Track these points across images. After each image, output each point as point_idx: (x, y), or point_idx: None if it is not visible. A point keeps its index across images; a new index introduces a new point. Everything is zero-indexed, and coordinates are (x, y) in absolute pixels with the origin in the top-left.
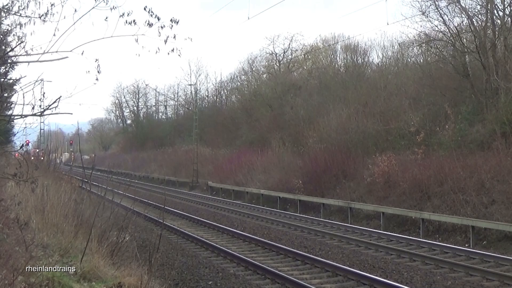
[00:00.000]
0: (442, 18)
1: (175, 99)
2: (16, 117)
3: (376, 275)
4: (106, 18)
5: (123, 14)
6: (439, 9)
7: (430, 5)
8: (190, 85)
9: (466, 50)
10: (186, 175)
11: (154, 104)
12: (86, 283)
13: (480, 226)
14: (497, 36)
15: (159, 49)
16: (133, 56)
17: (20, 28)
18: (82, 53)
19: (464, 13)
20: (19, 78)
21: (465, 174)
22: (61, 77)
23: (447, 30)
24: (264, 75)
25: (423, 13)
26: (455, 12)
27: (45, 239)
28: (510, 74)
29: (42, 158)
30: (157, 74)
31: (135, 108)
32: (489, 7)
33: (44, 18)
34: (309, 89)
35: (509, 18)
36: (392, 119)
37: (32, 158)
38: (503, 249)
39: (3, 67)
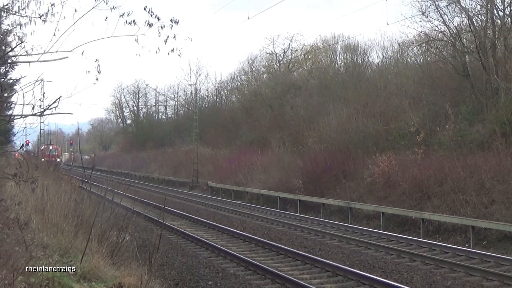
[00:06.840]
0: (442, 18)
1: (175, 99)
2: (16, 117)
3: (376, 275)
4: (106, 18)
5: (123, 14)
6: (439, 9)
7: (430, 5)
8: (190, 85)
9: (466, 50)
10: (186, 175)
11: (154, 104)
12: (86, 283)
13: (480, 226)
14: (497, 36)
15: (159, 49)
16: (133, 56)
17: (20, 28)
18: (82, 53)
19: (464, 13)
20: (19, 78)
21: (465, 174)
22: (61, 77)
23: (447, 30)
24: (264, 75)
25: (423, 13)
26: (455, 12)
27: (45, 239)
28: (510, 74)
29: (58, 158)
30: (157, 74)
31: (135, 108)
32: (489, 7)
33: (44, 18)
34: (309, 89)
35: (509, 18)
36: (392, 119)
37: (43, 159)
38: (503, 249)
39: (3, 67)
